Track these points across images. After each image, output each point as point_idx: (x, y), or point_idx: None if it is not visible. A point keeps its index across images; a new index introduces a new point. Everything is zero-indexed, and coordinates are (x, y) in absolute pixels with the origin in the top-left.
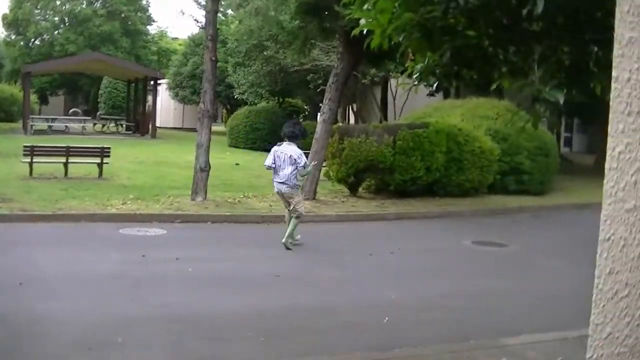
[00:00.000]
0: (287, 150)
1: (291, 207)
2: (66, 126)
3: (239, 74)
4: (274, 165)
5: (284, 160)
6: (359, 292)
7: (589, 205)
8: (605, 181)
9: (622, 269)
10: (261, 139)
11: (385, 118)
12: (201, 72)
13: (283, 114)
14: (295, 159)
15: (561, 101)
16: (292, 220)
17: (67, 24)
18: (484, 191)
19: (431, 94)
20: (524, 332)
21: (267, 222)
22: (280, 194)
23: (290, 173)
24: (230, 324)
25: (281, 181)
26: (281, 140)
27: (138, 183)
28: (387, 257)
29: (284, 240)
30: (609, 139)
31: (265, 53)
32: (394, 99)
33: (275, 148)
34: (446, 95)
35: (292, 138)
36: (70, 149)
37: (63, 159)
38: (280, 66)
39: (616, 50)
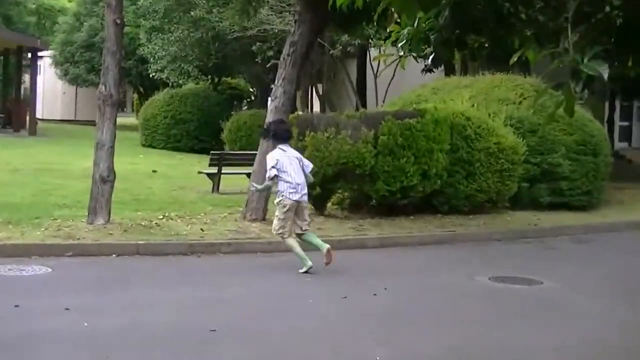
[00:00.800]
0: (294, 153)
1: (304, 222)
2: None
3: (155, 44)
4: (278, 173)
5: (297, 164)
6: (330, 352)
7: None
8: None
9: None
10: (188, 136)
11: (364, 104)
12: (101, 41)
13: (219, 100)
14: (303, 162)
15: (605, 76)
16: (310, 236)
17: None
18: (504, 205)
19: (427, 70)
20: None
21: (198, 253)
22: (299, 206)
23: (305, 179)
24: None
25: (301, 191)
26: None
27: (10, 200)
28: (369, 300)
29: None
30: None
31: (192, 14)
32: (376, 77)
33: (280, 153)
34: (449, 71)
35: (288, 139)
36: None
37: None
38: (215, 32)
39: None
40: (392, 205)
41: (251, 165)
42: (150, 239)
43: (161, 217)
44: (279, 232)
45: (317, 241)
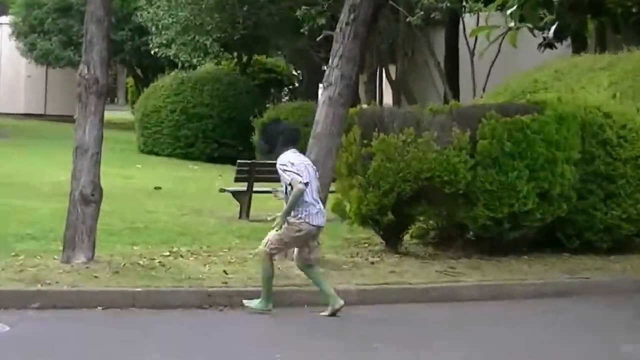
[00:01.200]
0: (307, 160)
1: (312, 251)
2: None
3: (159, 7)
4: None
5: (314, 174)
6: None
7: None
8: None
9: None
10: (206, 138)
11: (455, 94)
12: (81, 3)
13: (249, 87)
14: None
15: None
16: (315, 272)
17: None
18: None
19: (547, 45)
20: None
21: (220, 306)
22: (318, 231)
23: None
24: None
25: (323, 212)
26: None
27: None
28: None
29: (328, 310)
30: None
31: None
32: (472, 56)
33: (295, 156)
34: (578, 48)
35: (297, 142)
36: None
37: None
38: None
39: None
40: (497, 240)
41: None
42: (151, 284)
43: (167, 253)
44: (272, 250)
45: (329, 290)
